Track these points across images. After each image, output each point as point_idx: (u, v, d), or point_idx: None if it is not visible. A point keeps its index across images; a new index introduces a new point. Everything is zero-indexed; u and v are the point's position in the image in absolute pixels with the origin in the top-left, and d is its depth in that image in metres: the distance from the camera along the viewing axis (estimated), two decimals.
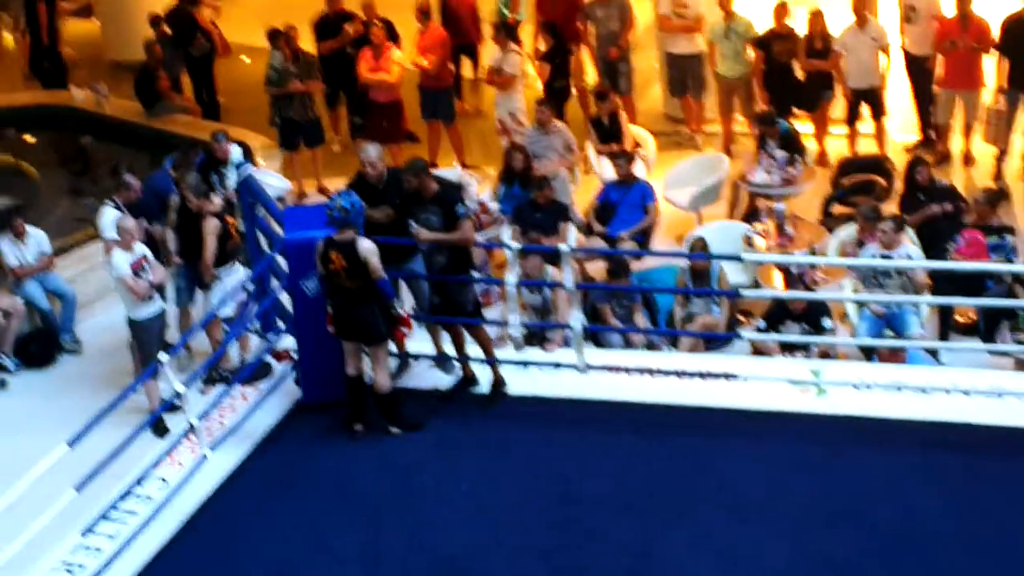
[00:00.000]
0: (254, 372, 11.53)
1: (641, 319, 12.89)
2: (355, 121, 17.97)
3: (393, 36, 17.43)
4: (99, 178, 16.81)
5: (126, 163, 14.37)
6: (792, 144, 15.40)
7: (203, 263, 12.58)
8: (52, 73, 20.88)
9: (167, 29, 18.72)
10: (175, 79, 18.68)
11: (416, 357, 11.52)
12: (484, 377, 11.26)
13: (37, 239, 14.09)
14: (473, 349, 11.29)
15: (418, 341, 11.43)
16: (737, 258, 12.54)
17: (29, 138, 18.83)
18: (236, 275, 12.66)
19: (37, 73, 20.98)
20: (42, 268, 14.01)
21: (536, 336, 12.31)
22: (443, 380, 11.40)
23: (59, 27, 21.75)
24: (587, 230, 14.50)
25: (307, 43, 17.49)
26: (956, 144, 16.43)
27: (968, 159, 16.31)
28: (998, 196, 13.99)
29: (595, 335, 12.62)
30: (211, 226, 12.54)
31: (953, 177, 15.61)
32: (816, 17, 16.36)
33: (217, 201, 13.00)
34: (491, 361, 11.23)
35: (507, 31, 17.21)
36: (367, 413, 10.82)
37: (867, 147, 16.54)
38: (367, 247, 10.29)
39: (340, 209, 10.30)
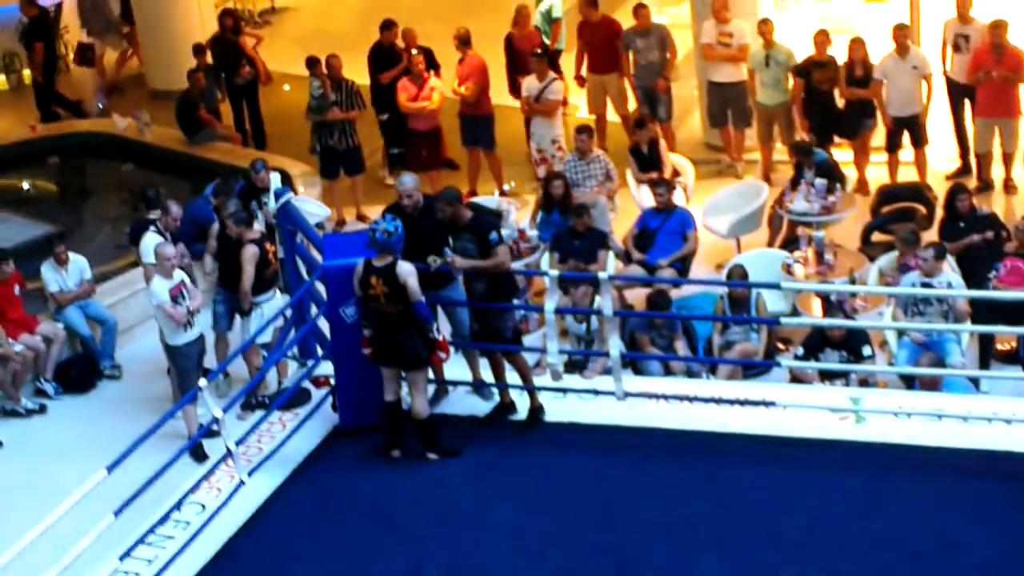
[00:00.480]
0: (292, 398, 11.55)
1: (683, 349, 12.86)
2: (392, 152, 18.04)
3: (432, 65, 17.49)
4: (140, 206, 16.93)
5: (163, 190, 14.45)
6: (831, 173, 15.36)
7: (241, 291, 12.62)
8: (60, 112, 20.90)
9: (209, 58, 18.82)
10: (214, 108, 18.77)
11: (454, 384, 11.51)
12: (522, 404, 11.25)
13: (79, 265, 14.19)
14: (512, 376, 11.28)
15: (456, 367, 11.42)
16: (776, 286, 12.50)
17: (71, 166, 18.96)
18: (274, 302, 12.70)
19: (46, 117, 20.70)
20: (83, 295, 14.10)
21: (576, 364, 12.32)
22: (480, 407, 11.39)
23: (60, 66, 21.85)
24: (626, 258, 14.49)
25: (354, 72, 17.53)
26: (996, 172, 16.34)
27: (1009, 187, 16.23)
28: None
29: (634, 364, 12.61)
30: (249, 254, 12.58)
31: (994, 205, 15.52)
32: (857, 45, 16.30)
33: (257, 228, 13.07)
34: (530, 388, 11.22)
35: (548, 60, 17.30)
36: (404, 439, 10.82)
37: (907, 175, 16.47)
38: (406, 269, 10.31)
39: (384, 232, 10.32)
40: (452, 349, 11.15)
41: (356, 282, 10.47)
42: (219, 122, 18.75)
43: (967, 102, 16.36)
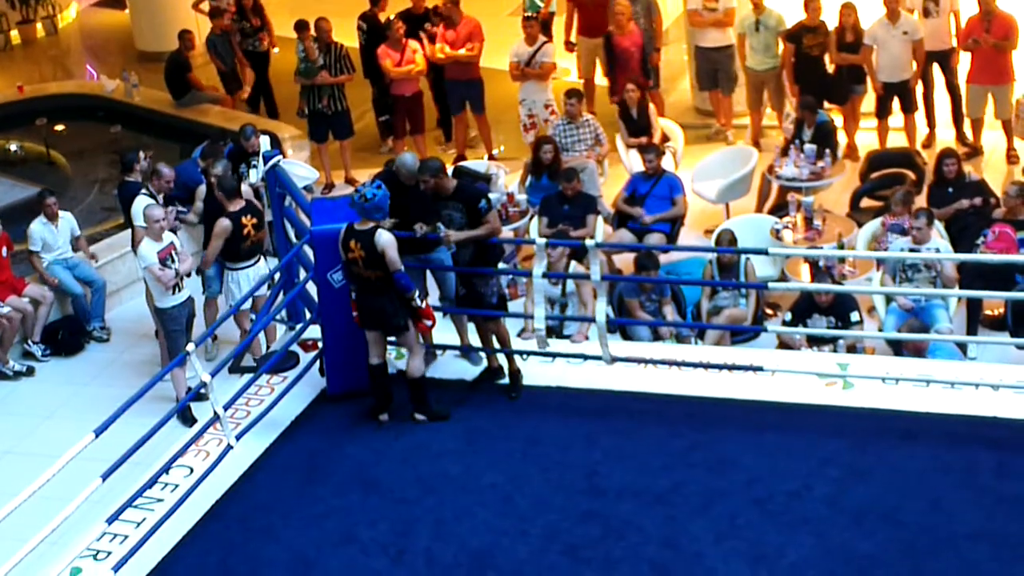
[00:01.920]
0: (280, 362, 11.54)
1: (671, 314, 12.87)
2: (380, 120, 18.01)
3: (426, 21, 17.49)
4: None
5: (145, 152, 14.41)
6: (825, 137, 15.35)
7: (203, 261, 12.70)
8: None
9: (227, 22, 18.48)
10: (232, 71, 18.55)
11: (443, 348, 11.52)
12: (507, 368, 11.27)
13: (69, 222, 14.19)
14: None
15: (443, 332, 11.41)
16: (764, 251, 12.50)
17: (59, 127, 18.90)
18: (254, 270, 12.73)
19: None
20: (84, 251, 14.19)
21: (553, 329, 12.31)
22: (469, 371, 11.38)
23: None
24: (615, 222, 14.48)
25: (344, 36, 17.46)
26: (992, 141, 16.32)
27: (1011, 157, 16.19)
28: None
29: (623, 329, 12.63)
30: (219, 228, 12.59)
31: (986, 172, 15.51)
32: (847, 10, 16.27)
33: (247, 189, 13.07)
34: (508, 352, 11.21)
35: (540, 24, 17.29)
36: (392, 403, 10.83)
37: (897, 141, 16.46)
38: (385, 239, 10.25)
39: (362, 196, 10.29)
40: (440, 315, 11.14)
41: (340, 244, 10.47)
42: (244, 84, 18.62)
43: (936, 67, 16.34)
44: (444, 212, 10.87)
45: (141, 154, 14.09)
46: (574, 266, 12.58)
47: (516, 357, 11.22)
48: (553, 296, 12.68)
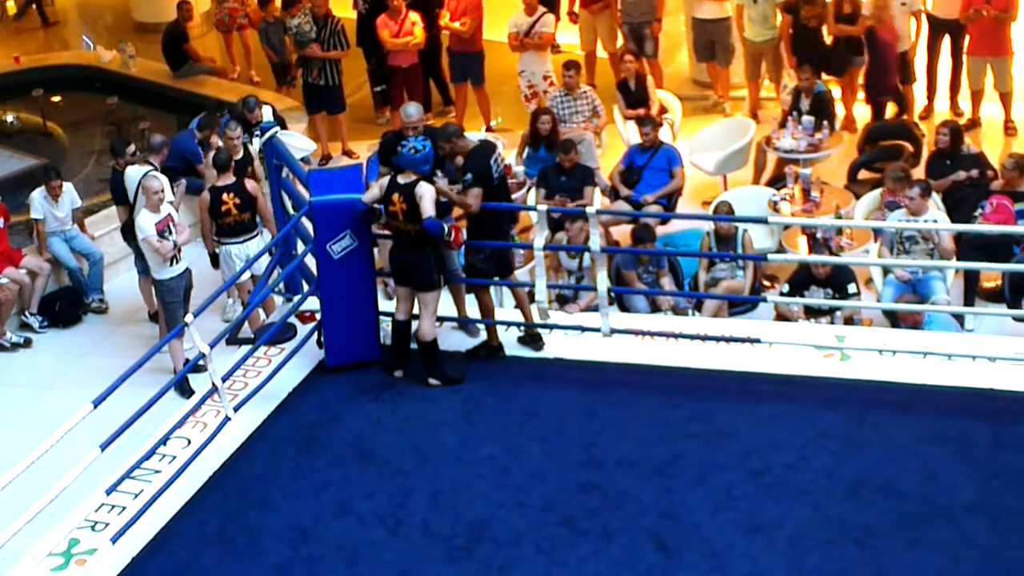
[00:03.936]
0: (278, 333, 11.54)
1: (669, 285, 12.89)
2: (376, 90, 17.96)
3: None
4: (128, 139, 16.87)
5: (147, 129, 14.43)
6: (823, 108, 15.34)
7: (201, 236, 12.77)
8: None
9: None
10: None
11: (440, 320, 11.50)
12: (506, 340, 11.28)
13: (69, 194, 14.18)
14: (502, 313, 11.32)
15: (442, 304, 11.41)
16: (763, 220, 12.50)
17: (56, 99, 18.88)
18: (246, 247, 12.76)
19: None
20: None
21: (562, 300, 12.34)
22: (466, 343, 11.38)
23: None
24: (613, 194, 14.48)
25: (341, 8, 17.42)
26: (990, 113, 16.31)
27: (1009, 128, 16.17)
28: None
29: (620, 300, 12.63)
30: (202, 202, 12.66)
31: (984, 144, 15.50)
32: None
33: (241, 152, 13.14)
34: (490, 324, 11.22)
35: None
36: (409, 360, 10.84)
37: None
38: (425, 189, 10.34)
39: (412, 149, 10.35)
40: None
41: (380, 196, 10.53)
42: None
43: (947, 38, 16.31)
44: (461, 177, 10.88)
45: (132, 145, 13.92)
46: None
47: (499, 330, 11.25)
48: (571, 269, 12.74)
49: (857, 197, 14.13)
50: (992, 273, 12.91)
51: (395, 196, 10.42)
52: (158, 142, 13.52)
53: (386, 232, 10.92)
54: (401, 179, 10.44)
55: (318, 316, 11.40)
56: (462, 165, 10.90)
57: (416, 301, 10.73)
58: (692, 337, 11.07)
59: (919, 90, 16.57)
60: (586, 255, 12.52)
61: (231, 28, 19.08)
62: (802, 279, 12.48)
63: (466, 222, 11.06)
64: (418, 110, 11.29)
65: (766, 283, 13.26)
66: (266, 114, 14.46)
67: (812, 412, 10.18)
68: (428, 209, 10.34)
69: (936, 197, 13.20)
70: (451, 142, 10.96)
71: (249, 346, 11.36)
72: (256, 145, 13.85)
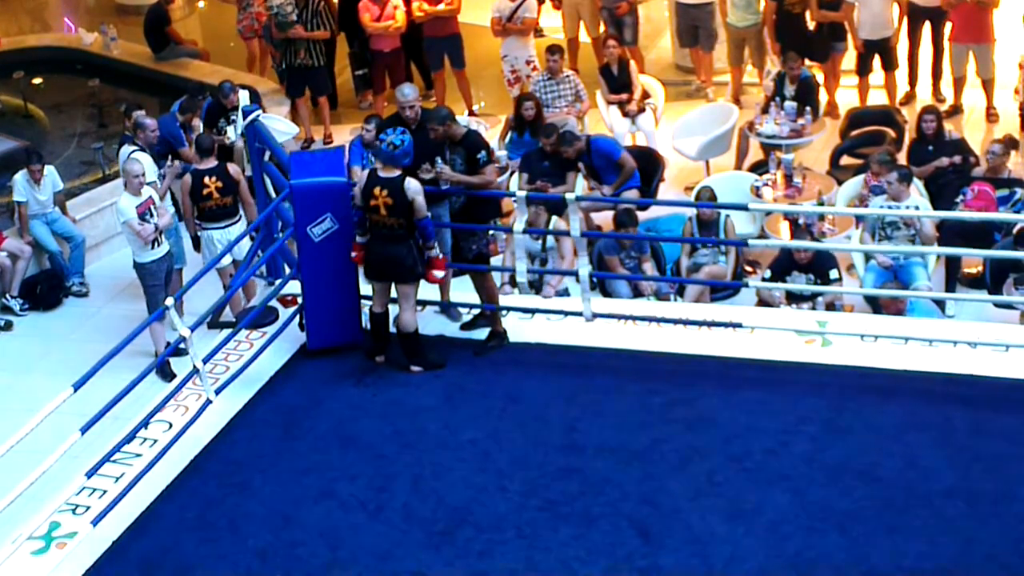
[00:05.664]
0: (259, 317, 11.52)
1: (651, 270, 12.89)
2: (357, 74, 17.90)
3: None
4: (109, 122, 16.86)
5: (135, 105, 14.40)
6: (808, 94, 15.34)
7: (186, 221, 12.76)
8: None
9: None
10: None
11: (422, 304, 11.48)
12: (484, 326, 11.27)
13: (52, 176, 14.13)
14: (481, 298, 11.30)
15: (428, 289, 11.39)
16: (744, 207, 12.51)
17: (37, 81, 18.82)
18: (226, 233, 12.74)
19: None
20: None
21: (534, 284, 12.32)
22: (448, 328, 11.36)
23: None
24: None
25: None
26: (972, 99, 16.33)
27: (991, 115, 16.20)
28: (1012, 145, 13.94)
29: (603, 285, 12.63)
30: (183, 186, 12.65)
31: (966, 131, 15.52)
32: None
33: (237, 143, 13.08)
34: (492, 311, 11.19)
35: None
36: (388, 346, 10.83)
37: (878, 99, 16.46)
38: (416, 187, 10.24)
39: (390, 144, 10.25)
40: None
41: (358, 191, 10.42)
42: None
43: (928, 25, 16.33)
44: (450, 158, 10.83)
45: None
46: (555, 221, 12.57)
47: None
48: (533, 251, 12.69)
49: (839, 183, 14.15)
50: (973, 259, 12.94)
51: (377, 190, 10.28)
52: (147, 123, 13.50)
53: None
54: (382, 173, 10.34)
55: (299, 299, 11.39)
56: (468, 146, 10.81)
57: (396, 292, 10.68)
58: (674, 322, 11.07)
59: (900, 77, 16.56)
60: (549, 237, 12.50)
61: (258, 34, 18.18)
62: (784, 264, 12.49)
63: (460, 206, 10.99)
64: (413, 90, 11.18)
65: (748, 268, 13.28)
66: (243, 98, 14.39)
67: (793, 398, 10.18)
68: (423, 210, 10.29)
69: (919, 183, 13.22)
70: (445, 124, 10.87)
71: (230, 330, 11.35)
72: (233, 131, 13.85)
